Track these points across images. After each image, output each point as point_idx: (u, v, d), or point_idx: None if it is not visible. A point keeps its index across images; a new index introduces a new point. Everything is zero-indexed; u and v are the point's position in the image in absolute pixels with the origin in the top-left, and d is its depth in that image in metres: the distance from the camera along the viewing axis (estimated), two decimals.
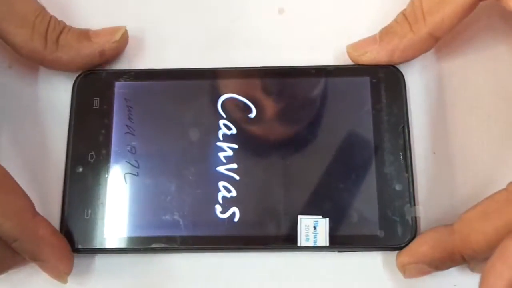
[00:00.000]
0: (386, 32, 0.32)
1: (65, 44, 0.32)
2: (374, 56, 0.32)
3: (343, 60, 0.33)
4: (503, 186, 0.27)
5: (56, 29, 0.32)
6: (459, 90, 0.33)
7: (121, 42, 0.33)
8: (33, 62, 0.32)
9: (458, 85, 0.33)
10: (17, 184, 0.28)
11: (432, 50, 0.32)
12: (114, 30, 0.33)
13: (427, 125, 0.33)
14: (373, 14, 0.34)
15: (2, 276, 0.29)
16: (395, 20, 0.32)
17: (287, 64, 0.33)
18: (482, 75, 0.33)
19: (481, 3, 0.30)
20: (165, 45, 0.34)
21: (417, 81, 0.33)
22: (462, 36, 0.34)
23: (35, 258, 0.29)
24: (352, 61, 0.33)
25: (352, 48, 0.32)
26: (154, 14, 0.35)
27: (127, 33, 0.33)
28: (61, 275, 0.29)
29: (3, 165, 0.29)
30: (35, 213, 0.29)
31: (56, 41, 0.31)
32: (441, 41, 0.32)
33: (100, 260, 0.31)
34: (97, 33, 0.33)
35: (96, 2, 0.32)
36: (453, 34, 0.33)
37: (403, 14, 0.32)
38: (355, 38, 0.33)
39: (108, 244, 0.30)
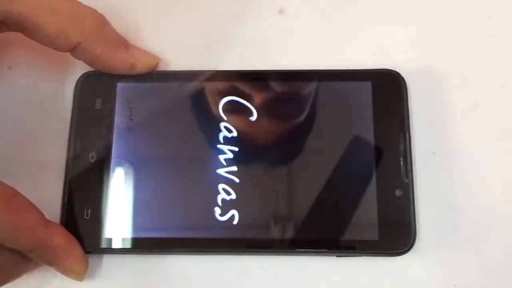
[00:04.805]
0: None
1: (106, 39, 0.31)
2: None
3: (343, 60, 0.33)
4: (503, 186, 0.27)
5: (98, 20, 0.31)
6: (459, 90, 0.33)
7: (152, 67, 0.33)
8: (62, 51, 0.31)
9: (458, 86, 0.33)
10: (27, 200, 0.29)
11: (432, 52, 0.32)
12: (152, 56, 0.33)
13: (427, 126, 0.32)
14: (374, 14, 0.34)
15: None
16: None
17: (286, 65, 0.33)
18: (482, 75, 0.33)
19: None
20: (165, 47, 0.34)
21: (417, 83, 0.33)
22: (462, 37, 0.34)
23: (51, 263, 0.29)
24: None
25: None
26: (155, 16, 0.35)
27: (158, 64, 0.33)
28: (78, 275, 0.30)
29: (3, 164, 0.29)
30: (47, 223, 0.29)
31: (98, 33, 0.31)
32: (441, 43, 0.31)
33: (98, 261, 0.31)
34: (135, 47, 0.33)
35: (96, 2, 0.32)
36: (452, 35, 0.33)
37: None
38: (356, 39, 0.33)
39: (107, 245, 0.31)
